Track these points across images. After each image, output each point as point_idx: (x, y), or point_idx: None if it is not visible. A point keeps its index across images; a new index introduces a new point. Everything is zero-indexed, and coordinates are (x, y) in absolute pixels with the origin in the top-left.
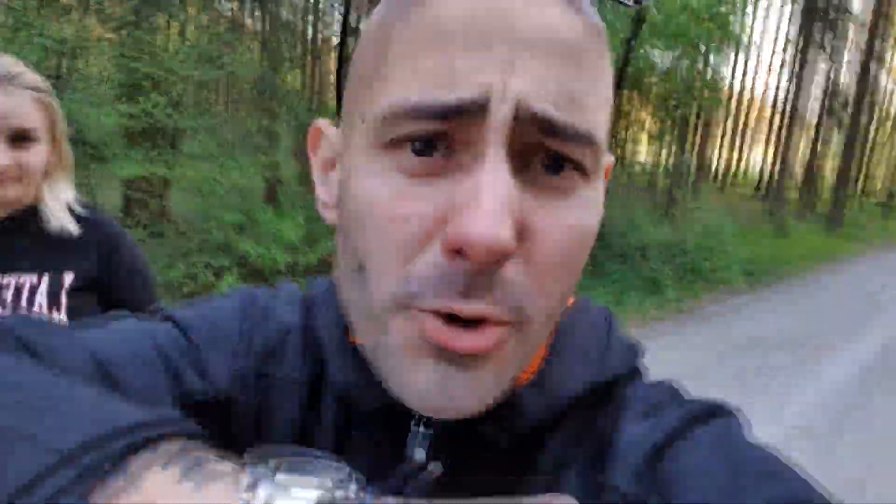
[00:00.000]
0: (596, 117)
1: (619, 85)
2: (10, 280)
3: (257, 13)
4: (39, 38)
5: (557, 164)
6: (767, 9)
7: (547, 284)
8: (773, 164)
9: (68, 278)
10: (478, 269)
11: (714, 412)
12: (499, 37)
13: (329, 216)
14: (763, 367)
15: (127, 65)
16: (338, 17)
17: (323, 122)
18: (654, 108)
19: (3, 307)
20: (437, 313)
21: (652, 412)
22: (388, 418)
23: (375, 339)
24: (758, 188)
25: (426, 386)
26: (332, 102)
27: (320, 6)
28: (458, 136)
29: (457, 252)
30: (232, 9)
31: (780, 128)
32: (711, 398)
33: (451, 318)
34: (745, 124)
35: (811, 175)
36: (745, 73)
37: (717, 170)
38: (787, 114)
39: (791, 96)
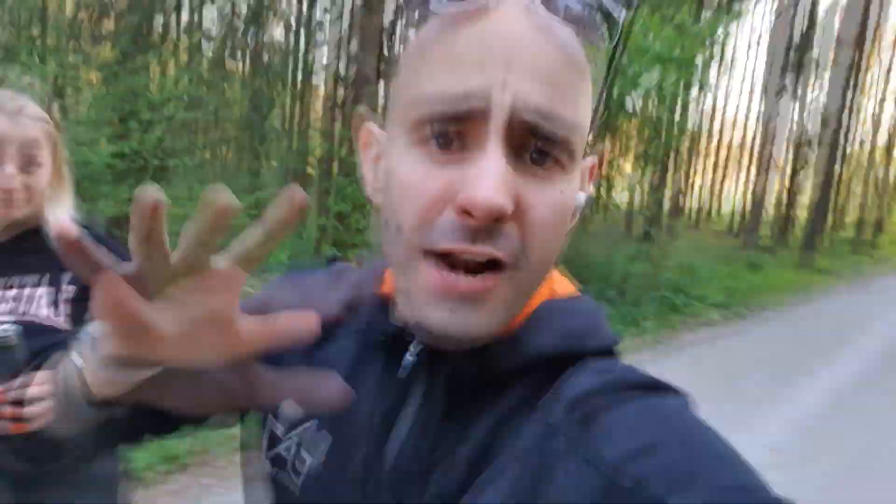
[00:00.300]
0: (571, 126)
1: (605, 104)
2: (17, 290)
3: (240, 55)
4: (28, 73)
5: (542, 158)
6: (734, 51)
7: (536, 242)
8: (744, 202)
9: (67, 287)
10: (482, 224)
11: (663, 388)
12: (499, 64)
13: (376, 198)
14: (738, 392)
15: (114, 105)
16: (324, 61)
17: (371, 124)
18: (629, 149)
19: (11, 313)
20: (450, 258)
21: (606, 373)
22: (391, 348)
23: (407, 284)
24: (731, 226)
25: (443, 317)
26: (315, 142)
27: (300, 51)
28: (469, 135)
29: (465, 213)
30: (214, 51)
31: (749, 167)
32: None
33: (464, 268)
34: (716, 164)
35: (783, 212)
36: (713, 114)
37: (691, 208)
38: (758, 154)
39: (761, 137)
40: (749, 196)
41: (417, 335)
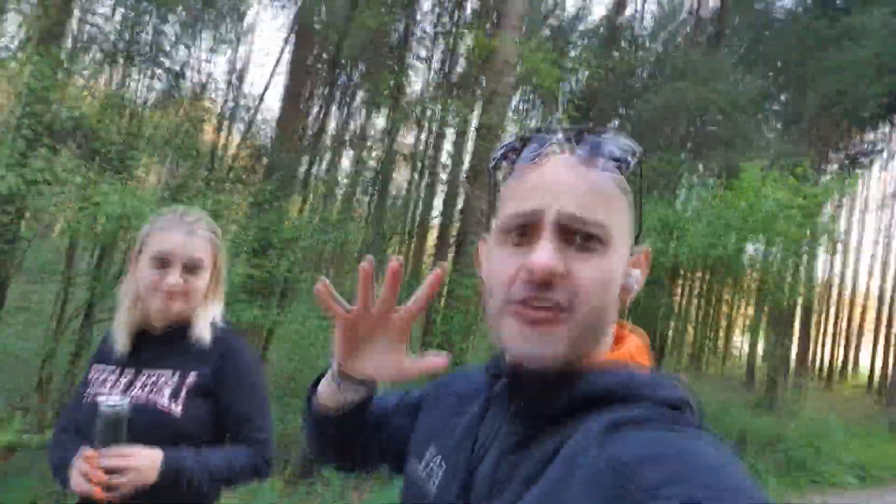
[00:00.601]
0: (600, 224)
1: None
2: (155, 373)
3: (367, 194)
4: (196, 200)
5: (585, 243)
6: (865, 205)
7: (582, 295)
8: (885, 361)
9: (191, 378)
10: (540, 280)
11: (697, 428)
12: (549, 187)
13: (484, 280)
14: None
15: (261, 226)
16: (437, 204)
17: (486, 236)
18: (748, 296)
19: (145, 392)
20: (523, 302)
21: (655, 412)
22: (492, 387)
23: (499, 330)
24: (869, 387)
25: (520, 344)
26: (425, 269)
27: (420, 196)
28: (533, 229)
29: (530, 273)
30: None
31: (888, 324)
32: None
33: (532, 307)
34: (850, 320)
35: None
36: (845, 269)
37: (821, 367)
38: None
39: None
40: (892, 353)
41: (506, 366)
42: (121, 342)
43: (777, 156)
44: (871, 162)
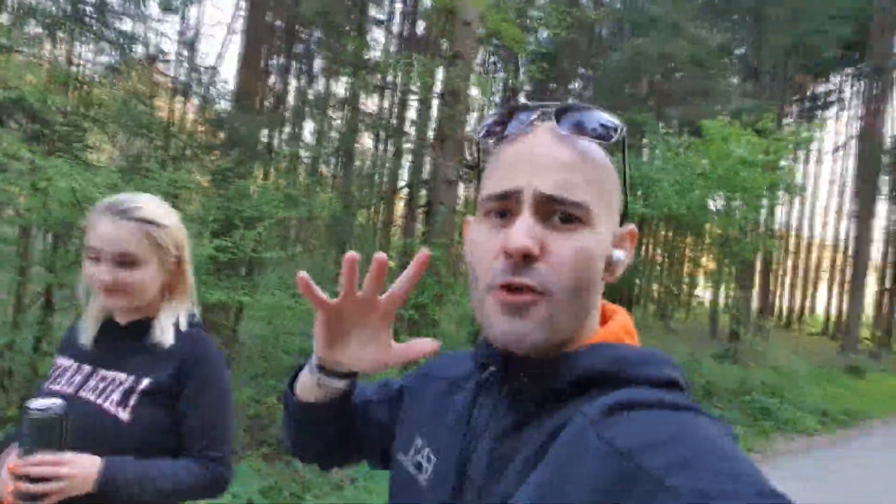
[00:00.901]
0: (581, 200)
1: (626, 183)
2: (109, 374)
3: (333, 162)
4: (151, 181)
5: (566, 219)
6: (819, 155)
7: (561, 274)
8: (840, 306)
9: (145, 384)
10: (517, 262)
11: (703, 413)
12: (529, 162)
13: (467, 258)
14: None
15: (222, 205)
16: (406, 167)
17: (470, 217)
18: (711, 248)
19: (94, 394)
20: (502, 287)
21: (651, 393)
22: (481, 373)
23: (482, 312)
24: (825, 330)
25: (503, 327)
26: (396, 239)
27: (387, 160)
28: (512, 208)
29: (507, 255)
30: (310, 158)
31: (843, 268)
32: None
33: (510, 290)
34: (807, 267)
35: (884, 313)
36: (802, 217)
37: (780, 312)
38: (851, 255)
39: (855, 236)
40: (846, 297)
41: (492, 353)
42: (85, 335)
43: (739, 110)
44: (826, 111)
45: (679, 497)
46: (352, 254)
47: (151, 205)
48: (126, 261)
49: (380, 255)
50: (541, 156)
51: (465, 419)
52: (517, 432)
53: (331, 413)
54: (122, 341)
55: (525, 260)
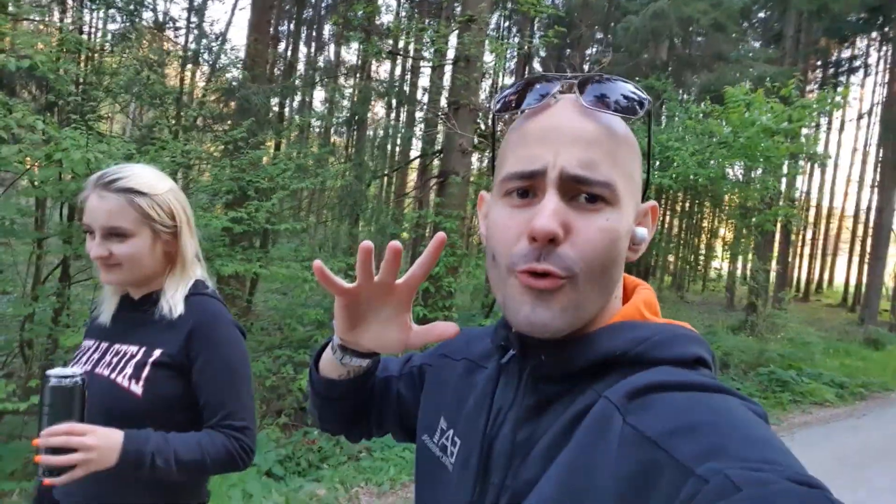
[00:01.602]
0: (607, 177)
1: (649, 157)
2: (122, 349)
3: (344, 130)
4: (165, 151)
5: (592, 199)
6: (842, 123)
7: (586, 256)
8: (859, 277)
9: (156, 353)
10: (542, 245)
11: (727, 392)
12: (552, 138)
13: (485, 240)
14: (857, 481)
15: (235, 176)
16: (419, 136)
17: (485, 192)
18: (729, 218)
19: (108, 369)
20: (525, 272)
21: (675, 375)
22: (502, 356)
23: (503, 294)
24: (843, 301)
25: (526, 312)
26: (410, 210)
27: (400, 130)
28: (536, 188)
29: (532, 238)
30: (321, 127)
31: (864, 239)
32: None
33: (534, 275)
34: (826, 237)
35: None
36: (822, 186)
37: (798, 282)
38: (872, 226)
39: (877, 206)
40: (865, 269)
41: (513, 336)
42: (103, 312)
43: (761, 76)
44: (851, 77)
45: (708, 485)
46: (366, 244)
47: (140, 174)
48: (115, 233)
49: (394, 244)
50: (565, 132)
51: (488, 402)
52: (539, 415)
53: (354, 389)
54: (136, 315)
55: (550, 243)
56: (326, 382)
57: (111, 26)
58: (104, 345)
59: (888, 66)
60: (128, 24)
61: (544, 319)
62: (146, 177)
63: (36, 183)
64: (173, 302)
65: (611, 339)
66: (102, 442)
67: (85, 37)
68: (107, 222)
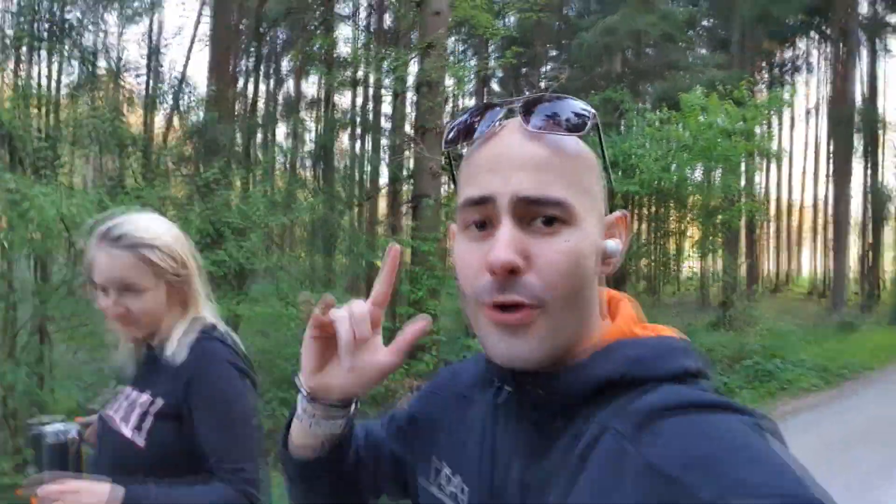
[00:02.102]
0: (561, 197)
1: (607, 168)
2: (133, 396)
3: (310, 164)
4: (137, 199)
5: (549, 221)
6: (792, 120)
7: (551, 282)
8: (825, 265)
9: (159, 403)
10: (503, 278)
11: (730, 408)
12: (502, 164)
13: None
14: (851, 465)
15: (209, 217)
16: (386, 163)
17: (453, 224)
18: (696, 218)
19: (118, 415)
20: (493, 306)
21: (675, 394)
22: (496, 393)
23: (477, 327)
24: (813, 289)
25: (500, 346)
26: (383, 238)
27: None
28: (492, 217)
29: (491, 272)
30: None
31: (825, 228)
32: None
33: (502, 309)
34: (790, 229)
35: (867, 273)
36: (780, 181)
37: (767, 275)
38: (832, 216)
39: (833, 199)
40: (830, 257)
41: (500, 372)
42: (127, 360)
43: (712, 81)
44: (795, 76)
45: None
46: (396, 246)
47: (146, 225)
48: (130, 290)
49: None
50: (513, 157)
51: (490, 445)
52: (545, 454)
53: (331, 463)
54: (151, 362)
55: (511, 274)
56: (301, 465)
57: (68, 78)
58: (128, 390)
59: (830, 62)
60: (85, 72)
61: (522, 353)
62: (152, 228)
63: (5, 237)
64: (178, 349)
65: (607, 362)
66: (88, 499)
67: (44, 90)
68: (122, 280)
